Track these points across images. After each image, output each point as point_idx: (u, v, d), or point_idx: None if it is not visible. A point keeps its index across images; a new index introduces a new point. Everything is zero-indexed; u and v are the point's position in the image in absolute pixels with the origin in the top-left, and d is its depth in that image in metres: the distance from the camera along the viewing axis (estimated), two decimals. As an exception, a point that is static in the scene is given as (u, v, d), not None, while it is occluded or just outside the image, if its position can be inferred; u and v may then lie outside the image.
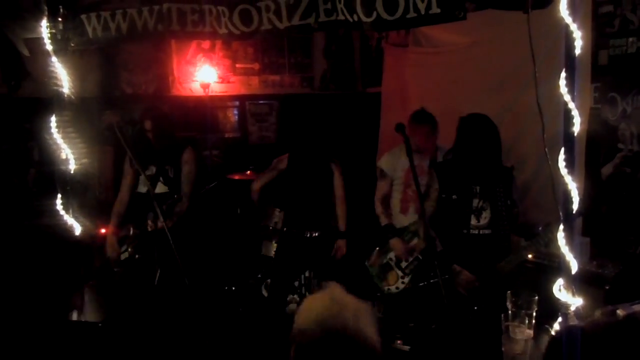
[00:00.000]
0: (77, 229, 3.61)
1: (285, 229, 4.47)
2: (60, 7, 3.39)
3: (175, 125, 4.25)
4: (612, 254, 3.87)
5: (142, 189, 4.07)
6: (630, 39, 3.71)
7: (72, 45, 3.45)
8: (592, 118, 3.95)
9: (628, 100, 3.78)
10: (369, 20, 2.82)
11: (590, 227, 3.89)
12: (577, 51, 2.46)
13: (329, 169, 4.27)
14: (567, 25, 2.46)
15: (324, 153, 4.26)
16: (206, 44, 6.15)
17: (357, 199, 5.51)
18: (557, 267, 3.76)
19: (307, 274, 4.90)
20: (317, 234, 4.18)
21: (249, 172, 5.40)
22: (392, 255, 4.19)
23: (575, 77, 2.50)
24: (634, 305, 2.70)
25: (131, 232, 4.00)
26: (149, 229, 3.86)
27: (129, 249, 4.01)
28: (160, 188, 4.03)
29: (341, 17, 2.93)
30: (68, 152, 3.61)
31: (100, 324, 2.57)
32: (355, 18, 2.87)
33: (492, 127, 3.40)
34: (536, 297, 2.32)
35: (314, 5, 2.97)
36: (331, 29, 3.04)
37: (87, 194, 5.27)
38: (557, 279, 2.94)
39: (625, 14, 3.73)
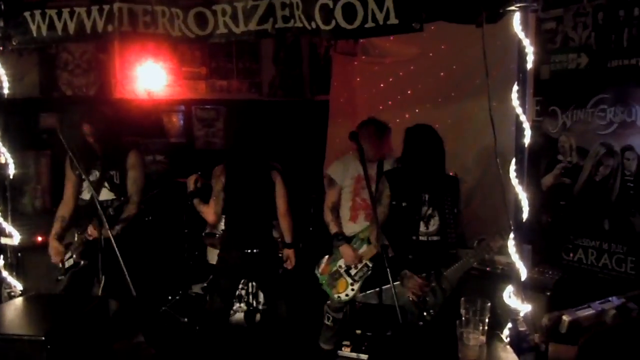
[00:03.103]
0: (17, 237, 3.42)
1: (223, 242, 4.31)
2: (1, 3, 3.21)
3: (117, 128, 4.07)
4: (552, 261, 4.03)
5: (86, 195, 3.90)
6: (571, 55, 3.88)
7: (14, 44, 3.27)
8: (534, 131, 4.08)
9: (568, 114, 3.95)
10: (327, 28, 2.83)
11: (531, 235, 4.04)
12: (529, 65, 2.55)
13: (270, 178, 4.01)
14: (520, 41, 2.54)
15: (261, 161, 4.00)
16: (151, 46, 5.97)
17: (304, 206, 5.52)
18: (501, 273, 3.91)
19: (253, 284, 4.84)
20: (256, 251, 4.01)
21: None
22: (341, 262, 4.19)
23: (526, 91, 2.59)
24: (578, 311, 2.82)
25: (75, 237, 3.84)
26: (89, 237, 3.72)
27: (74, 256, 3.83)
28: (106, 194, 3.86)
29: (299, 24, 2.91)
30: (8, 157, 3.41)
31: (43, 338, 2.42)
32: (314, 25, 2.86)
33: (436, 137, 3.51)
34: (489, 304, 2.37)
35: (271, 11, 2.94)
36: (289, 35, 3.02)
37: (23, 200, 5.02)
38: (500, 285, 3.03)
39: (567, 31, 3.91)
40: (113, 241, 3.27)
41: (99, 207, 3.40)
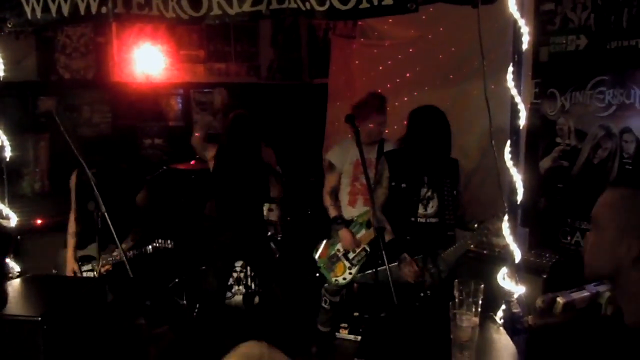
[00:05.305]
0: (14, 220, 3.43)
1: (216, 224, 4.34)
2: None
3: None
4: (549, 244, 4.03)
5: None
6: (570, 37, 3.84)
7: (10, 26, 3.24)
8: (532, 113, 4.08)
9: (567, 96, 3.92)
10: (321, 9, 2.80)
11: (529, 219, 4.04)
12: (525, 46, 2.53)
13: (262, 162, 4.07)
14: (515, 21, 2.52)
15: (254, 146, 4.05)
16: (148, 28, 5.93)
17: (302, 190, 5.52)
18: (497, 256, 3.91)
19: (250, 267, 4.88)
20: (247, 232, 4.05)
21: (193, 162, 5.30)
22: (340, 246, 4.19)
23: (521, 72, 2.57)
24: (572, 293, 2.82)
25: (100, 260, 3.60)
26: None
27: (94, 274, 3.71)
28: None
29: (293, 5, 2.89)
30: (4, 139, 3.41)
31: (39, 318, 2.43)
32: (308, 6, 2.84)
33: (444, 119, 3.48)
34: (482, 285, 2.37)
35: (266, -9, 2.92)
36: (283, 16, 2.99)
37: (23, 183, 5.01)
38: (496, 267, 3.04)
39: (566, 12, 3.86)
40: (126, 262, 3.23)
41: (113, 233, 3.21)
